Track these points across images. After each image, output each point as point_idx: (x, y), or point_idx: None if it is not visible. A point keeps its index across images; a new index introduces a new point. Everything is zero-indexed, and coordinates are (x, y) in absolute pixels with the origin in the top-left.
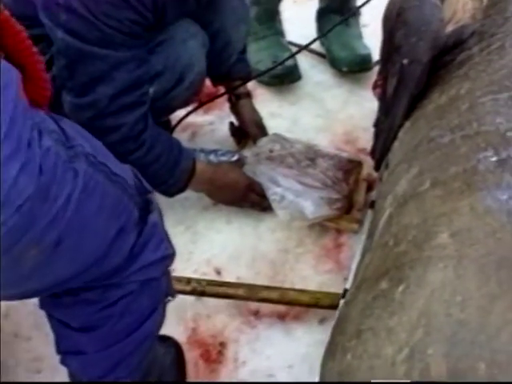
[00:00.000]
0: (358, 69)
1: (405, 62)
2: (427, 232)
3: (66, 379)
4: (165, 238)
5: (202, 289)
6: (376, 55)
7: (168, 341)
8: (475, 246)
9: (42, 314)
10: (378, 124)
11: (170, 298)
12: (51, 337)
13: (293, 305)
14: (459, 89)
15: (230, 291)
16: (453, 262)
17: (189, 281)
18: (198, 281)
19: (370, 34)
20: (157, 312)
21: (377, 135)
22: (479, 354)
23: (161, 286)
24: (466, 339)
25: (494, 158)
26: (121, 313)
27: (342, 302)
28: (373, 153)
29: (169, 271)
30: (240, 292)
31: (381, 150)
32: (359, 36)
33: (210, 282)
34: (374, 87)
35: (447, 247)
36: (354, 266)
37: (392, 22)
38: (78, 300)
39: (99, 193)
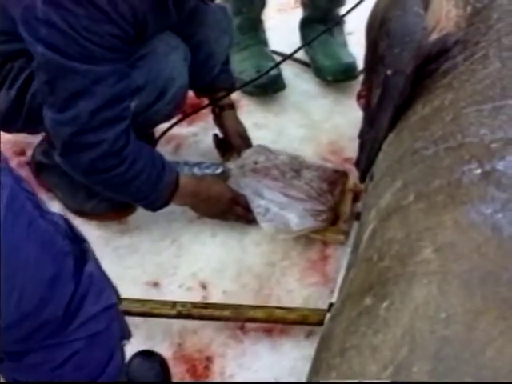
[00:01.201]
0: (343, 77)
1: (388, 72)
2: (411, 247)
3: None
4: (105, 287)
5: (187, 312)
6: (361, 64)
7: (152, 356)
8: (459, 261)
9: None
10: (362, 135)
11: (125, 341)
12: None
13: (280, 323)
14: (443, 99)
15: (216, 313)
16: (437, 277)
17: (174, 305)
18: (183, 304)
19: (355, 42)
20: (115, 357)
21: (361, 146)
22: (464, 370)
23: (112, 335)
24: (450, 356)
25: (478, 171)
26: (74, 369)
27: (327, 316)
28: (358, 164)
29: (119, 315)
30: (226, 313)
31: (366, 161)
32: (344, 44)
33: (196, 305)
34: (359, 98)
35: (431, 262)
36: (339, 280)
37: (375, 32)
38: (21, 365)
39: (27, 219)
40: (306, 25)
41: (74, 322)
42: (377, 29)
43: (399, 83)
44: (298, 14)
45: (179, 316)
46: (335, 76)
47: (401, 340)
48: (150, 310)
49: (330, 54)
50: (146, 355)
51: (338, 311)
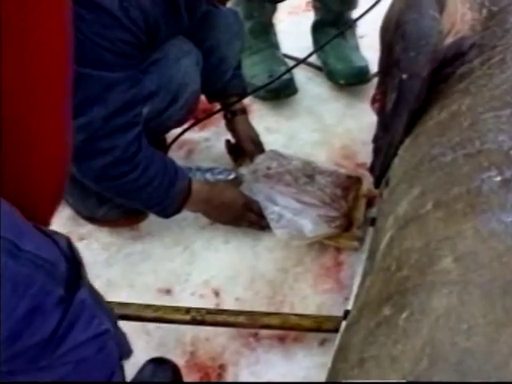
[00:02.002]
0: (356, 81)
1: (404, 76)
2: (430, 256)
3: None
4: (97, 314)
5: (201, 318)
6: (374, 67)
7: (165, 364)
8: (480, 270)
9: None
10: (377, 140)
11: (124, 359)
12: None
13: (294, 330)
14: (460, 104)
15: (230, 319)
16: (457, 287)
17: (188, 310)
18: (198, 310)
19: (367, 45)
20: (115, 377)
21: (376, 152)
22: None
23: (106, 358)
24: (472, 368)
25: (497, 178)
26: None
27: (343, 323)
28: (372, 169)
29: (117, 335)
30: (240, 319)
31: (380, 167)
32: (356, 48)
33: (210, 311)
34: (373, 102)
35: (451, 272)
36: (355, 287)
37: (390, 35)
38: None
39: None
40: (317, 28)
41: (61, 347)
42: (392, 32)
43: (415, 87)
44: (309, 16)
45: (193, 322)
46: (347, 79)
47: (421, 351)
48: (163, 316)
49: (342, 58)
50: (158, 362)
51: (354, 320)
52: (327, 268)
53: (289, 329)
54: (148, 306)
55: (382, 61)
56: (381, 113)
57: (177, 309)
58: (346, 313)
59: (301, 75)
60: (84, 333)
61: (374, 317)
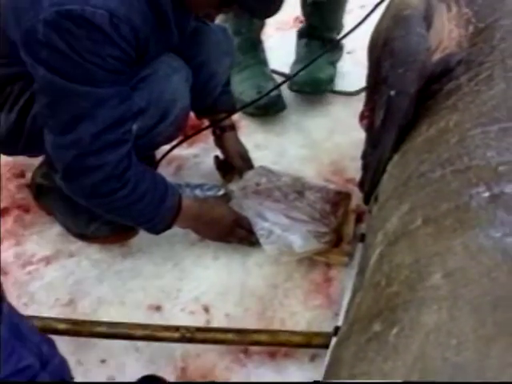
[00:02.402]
0: (308, 90)
1: (392, 93)
2: (420, 272)
3: None
4: (16, 350)
5: (190, 335)
6: (361, 82)
7: (157, 381)
8: (469, 286)
9: None
10: (365, 156)
11: None
12: None
13: (284, 346)
14: (448, 121)
15: (220, 336)
16: (447, 303)
17: (177, 328)
18: (187, 328)
19: (355, 61)
20: None
21: (365, 168)
22: None
23: None
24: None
25: (486, 194)
26: None
27: (333, 339)
28: (361, 186)
29: (55, 363)
30: (229, 337)
31: (369, 183)
32: (328, 62)
33: (199, 329)
34: (361, 118)
35: (441, 288)
36: (344, 302)
37: (378, 52)
38: None
39: None
40: (302, 37)
41: None
42: (380, 49)
43: (403, 104)
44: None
45: (182, 340)
46: (301, 87)
47: (412, 367)
48: (152, 334)
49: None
50: (150, 380)
51: (345, 336)
52: (317, 284)
53: (279, 345)
54: (137, 326)
55: (370, 77)
56: (369, 129)
57: (166, 327)
58: (336, 329)
59: (289, 91)
60: (3, 369)
61: (364, 333)
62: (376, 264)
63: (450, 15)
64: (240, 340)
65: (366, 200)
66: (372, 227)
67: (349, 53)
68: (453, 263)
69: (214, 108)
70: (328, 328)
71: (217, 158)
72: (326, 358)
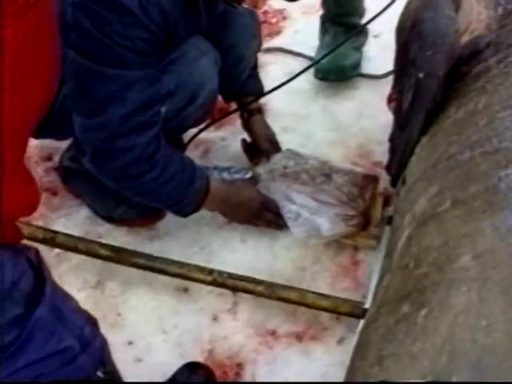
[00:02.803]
0: (333, 78)
1: (420, 75)
2: (449, 254)
3: None
4: (57, 331)
5: (222, 281)
6: (389, 66)
7: (199, 368)
8: (499, 267)
9: None
10: (393, 139)
11: (99, 373)
12: None
13: (311, 308)
14: (477, 103)
15: (249, 286)
16: (476, 284)
17: (210, 272)
18: (220, 272)
19: (382, 44)
20: None
21: (392, 150)
22: (506, 380)
23: (80, 370)
24: (492, 365)
25: None
26: None
27: (361, 322)
28: (389, 168)
29: (95, 345)
30: (259, 288)
31: (397, 165)
32: (353, 47)
33: (231, 276)
34: (389, 101)
35: (470, 269)
36: (372, 285)
37: (406, 35)
38: None
39: None
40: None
41: (16, 362)
42: (408, 31)
43: (431, 86)
44: None
45: (213, 283)
46: (326, 75)
47: (440, 349)
48: (187, 273)
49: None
50: (192, 367)
51: (373, 318)
52: (344, 267)
53: (305, 305)
54: (174, 262)
55: (398, 60)
56: (397, 112)
57: (201, 269)
58: (364, 311)
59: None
60: (41, 350)
61: (392, 315)
62: (404, 246)
63: None
64: (269, 293)
65: (394, 182)
66: (400, 209)
67: (375, 36)
68: (482, 245)
69: (241, 91)
70: (355, 312)
71: (244, 141)
72: (354, 341)
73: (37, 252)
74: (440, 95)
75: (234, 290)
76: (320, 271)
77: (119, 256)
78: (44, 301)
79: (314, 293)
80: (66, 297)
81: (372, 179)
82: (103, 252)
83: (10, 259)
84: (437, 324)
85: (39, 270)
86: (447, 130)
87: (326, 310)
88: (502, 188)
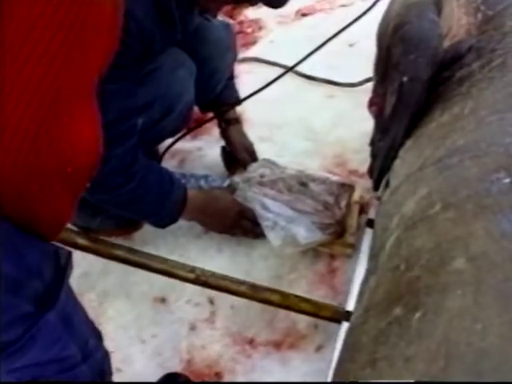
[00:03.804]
0: None
1: (404, 79)
2: (442, 256)
3: None
4: (62, 339)
5: (204, 279)
6: (364, 73)
7: (179, 378)
8: (494, 271)
9: None
10: (374, 143)
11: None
12: None
13: (293, 310)
14: (463, 107)
15: (232, 286)
16: (471, 288)
17: (193, 269)
18: (203, 271)
19: (357, 53)
20: None
21: (374, 154)
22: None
23: (81, 377)
24: (489, 369)
25: (506, 180)
26: None
27: (344, 324)
28: (370, 172)
29: (97, 358)
30: (242, 289)
31: (379, 169)
32: None
33: (214, 274)
34: (370, 105)
35: (464, 273)
36: (353, 288)
37: (388, 39)
38: None
39: None
40: None
41: (18, 360)
42: (390, 36)
43: (415, 90)
44: (298, 25)
45: (196, 281)
46: None
47: (436, 352)
48: (169, 269)
49: None
50: (173, 378)
51: (361, 320)
52: (321, 274)
53: (287, 308)
54: (156, 257)
55: (380, 64)
56: (379, 116)
57: (183, 266)
58: (347, 313)
59: (291, 84)
60: (44, 354)
61: (384, 317)
62: (393, 248)
63: (458, 2)
64: (252, 294)
65: (376, 186)
66: (385, 212)
67: (350, 45)
68: (475, 248)
69: (217, 102)
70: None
71: (224, 148)
72: (337, 346)
73: (69, 254)
74: (424, 99)
75: (216, 289)
76: (297, 279)
77: (98, 246)
78: (56, 305)
79: (296, 296)
80: (77, 305)
81: (348, 188)
82: (81, 241)
83: (39, 250)
84: (432, 327)
85: (62, 272)
86: (432, 134)
87: (307, 313)
88: (493, 192)
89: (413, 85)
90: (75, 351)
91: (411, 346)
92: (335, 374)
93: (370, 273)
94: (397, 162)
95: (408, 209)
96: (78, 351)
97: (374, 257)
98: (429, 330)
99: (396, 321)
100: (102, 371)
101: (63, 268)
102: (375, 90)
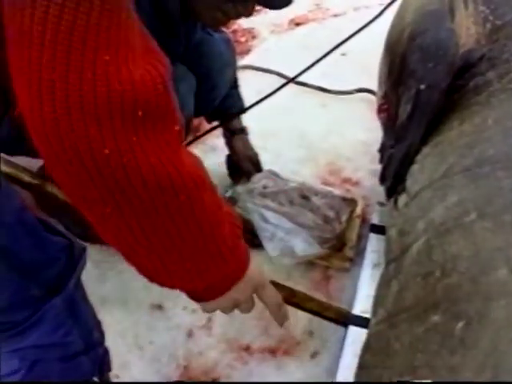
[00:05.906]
0: None
1: (422, 87)
2: (482, 265)
3: None
4: (66, 326)
5: None
6: (356, 83)
7: None
8: None
9: None
10: (384, 149)
11: (95, 378)
12: None
13: (297, 307)
14: (485, 118)
15: None
16: None
17: None
18: None
19: (350, 62)
20: None
21: (386, 161)
22: None
23: (77, 370)
24: None
25: None
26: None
27: (350, 328)
28: (382, 179)
29: (98, 352)
30: None
31: (394, 175)
32: None
33: None
34: (379, 112)
35: (507, 284)
36: (361, 293)
37: (403, 46)
38: None
39: None
40: None
41: (22, 340)
42: (406, 43)
43: (433, 98)
44: (291, 34)
45: None
46: None
47: (483, 363)
48: None
49: None
50: None
51: (389, 325)
52: (316, 282)
53: (292, 304)
54: None
55: (393, 72)
56: (389, 122)
57: None
58: (354, 317)
59: (285, 92)
60: (47, 337)
61: (419, 323)
62: (422, 253)
63: (467, 13)
64: None
65: (390, 192)
66: (404, 216)
67: (343, 54)
68: None
69: (221, 112)
70: (328, 325)
71: (229, 157)
72: (327, 354)
73: (83, 248)
74: (440, 107)
75: None
76: (292, 286)
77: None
78: (63, 292)
79: (301, 292)
80: (85, 300)
81: (350, 202)
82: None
83: (57, 242)
84: (477, 337)
85: (75, 263)
86: (454, 142)
87: (311, 311)
88: None
89: (430, 92)
90: (77, 339)
91: (456, 355)
92: (361, 379)
93: (390, 277)
94: (415, 168)
95: (436, 214)
96: (81, 340)
97: (392, 261)
98: (474, 340)
99: (435, 328)
100: (102, 366)
101: (76, 259)
102: (385, 97)
